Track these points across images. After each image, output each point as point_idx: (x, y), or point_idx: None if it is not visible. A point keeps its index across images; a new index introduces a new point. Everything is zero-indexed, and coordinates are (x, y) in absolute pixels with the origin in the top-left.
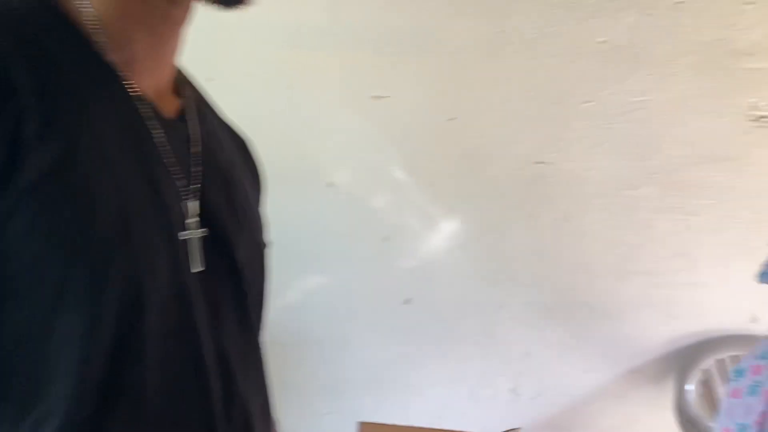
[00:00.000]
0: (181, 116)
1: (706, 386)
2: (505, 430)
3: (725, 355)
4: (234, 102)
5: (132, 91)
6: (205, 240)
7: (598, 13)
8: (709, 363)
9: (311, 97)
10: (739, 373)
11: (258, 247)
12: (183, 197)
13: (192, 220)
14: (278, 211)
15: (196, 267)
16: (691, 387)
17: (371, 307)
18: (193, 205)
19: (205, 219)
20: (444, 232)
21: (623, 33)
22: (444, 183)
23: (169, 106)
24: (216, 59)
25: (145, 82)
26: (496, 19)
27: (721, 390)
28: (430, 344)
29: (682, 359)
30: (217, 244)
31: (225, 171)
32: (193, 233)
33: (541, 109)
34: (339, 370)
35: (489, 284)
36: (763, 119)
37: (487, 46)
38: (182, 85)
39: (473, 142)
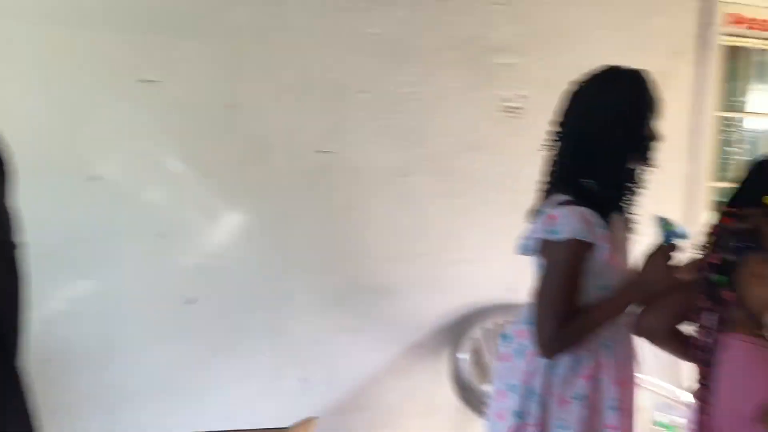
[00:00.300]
0: None
1: (476, 353)
2: (300, 420)
3: (490, 323)
4: None
5: None
6: None
7: (372, 6)
8: (477, 332)
9: (69, 81)
10: (507, 338)
11: (7, 249)
12: None
13: None
14: (32, 209)
15: None
16: (463, 356)
17: (149, 310)
18: None
19: None
20: (227, 226)
21: (395, 26)
22: (225, 173)
23: None
24: None
25: None
26: (272, 5)
27: (488, 355)
28: (217, 343)
29: (455, 331)
30: None
31: None
32: None
33: (320, 98)
34: (116, 383)
35: (276, 276)
36: (512, 110)
37: (264, 33)
38: None
39: (254, 130)
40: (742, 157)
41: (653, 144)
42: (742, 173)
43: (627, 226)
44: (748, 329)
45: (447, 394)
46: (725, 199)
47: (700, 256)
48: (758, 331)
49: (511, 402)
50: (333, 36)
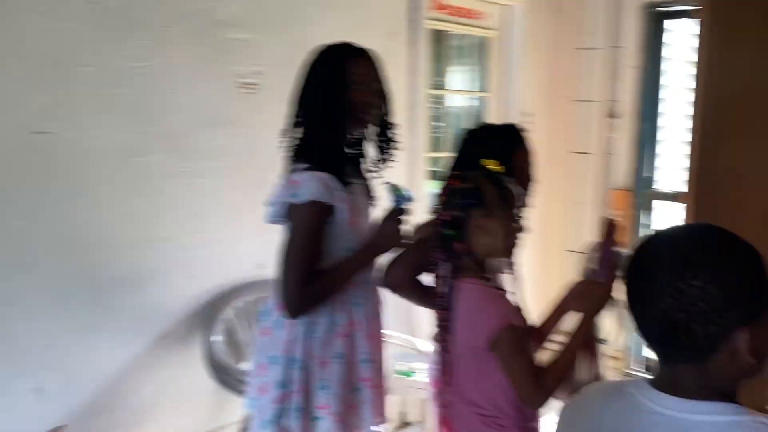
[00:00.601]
0: None
1: (230, 334)
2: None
3: (242, 302)
4: None
5: None
6: None
7: None
8: (229, 312)
9: None
10: (266, 313)
11: None
12: None
13: None
14: None
15: None
16: (216, 338)
17: None
18: None
19: None
20: None
21: None
22: None
23: None
24: None
25: None
26: None
27: (242, 334)
28: None
29: (206, 314)
30: None
31: None
32: None
33: (33, 72)
34: None
35: None
36: (248, 86)
37: None
38: None
39: None
40: (447, 130)
41: (367, 112)
42: (460, 141)
43: (368, 192)
44: (477, 273)
45: (203, 380)
46: (451, 164)
47: (434, 215)
48: (485, 274)
49: (274, 373)
50: (45, 3)
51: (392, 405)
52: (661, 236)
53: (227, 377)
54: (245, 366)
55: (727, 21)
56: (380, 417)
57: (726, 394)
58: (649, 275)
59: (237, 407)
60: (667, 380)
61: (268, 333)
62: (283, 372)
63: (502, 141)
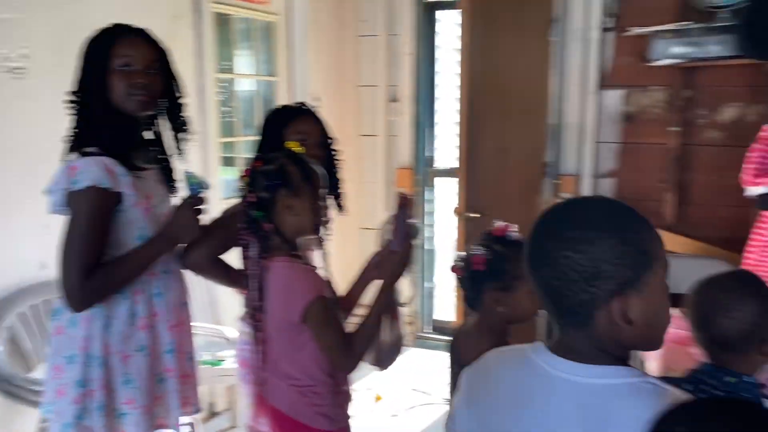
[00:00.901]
0: None
1: (14, 342)
2: None
3: (25, 306)
4: None
5: None
6: None
7: None
8: (12, 319)
9: None
10: (57, 312)
11: None
12: None
13: None
14: None
15: None
16: None
17: None
18: None
19: None
20: None
21: None
22: None
23: None
24: None
25: None
26: None
27: (29, 341)
28: None
29: None
30: None
31: None
32: None
33: None
34: None
35: None
36: (17, 70)
37: None
38: None
39: None
40: (238, 114)
41: (138, 94)
42: (261, 124)
43: (165, 179)
44: (286, 252)
45: None
46: (255, 147)
47: (240, 197)
48: (294, 252)
49: (72, 373)
50: None
51: (201, 395)
52: (554, 209)
53: (14, 389)
54: (35, 374)
55: (484, 11)
56: (189, 407)
57: (619, 358)
58: (536, 244)
59: (30, 418)
60: (563, 345)
61: (62, 332)
62: (82, 370)
63: (284, 116)
